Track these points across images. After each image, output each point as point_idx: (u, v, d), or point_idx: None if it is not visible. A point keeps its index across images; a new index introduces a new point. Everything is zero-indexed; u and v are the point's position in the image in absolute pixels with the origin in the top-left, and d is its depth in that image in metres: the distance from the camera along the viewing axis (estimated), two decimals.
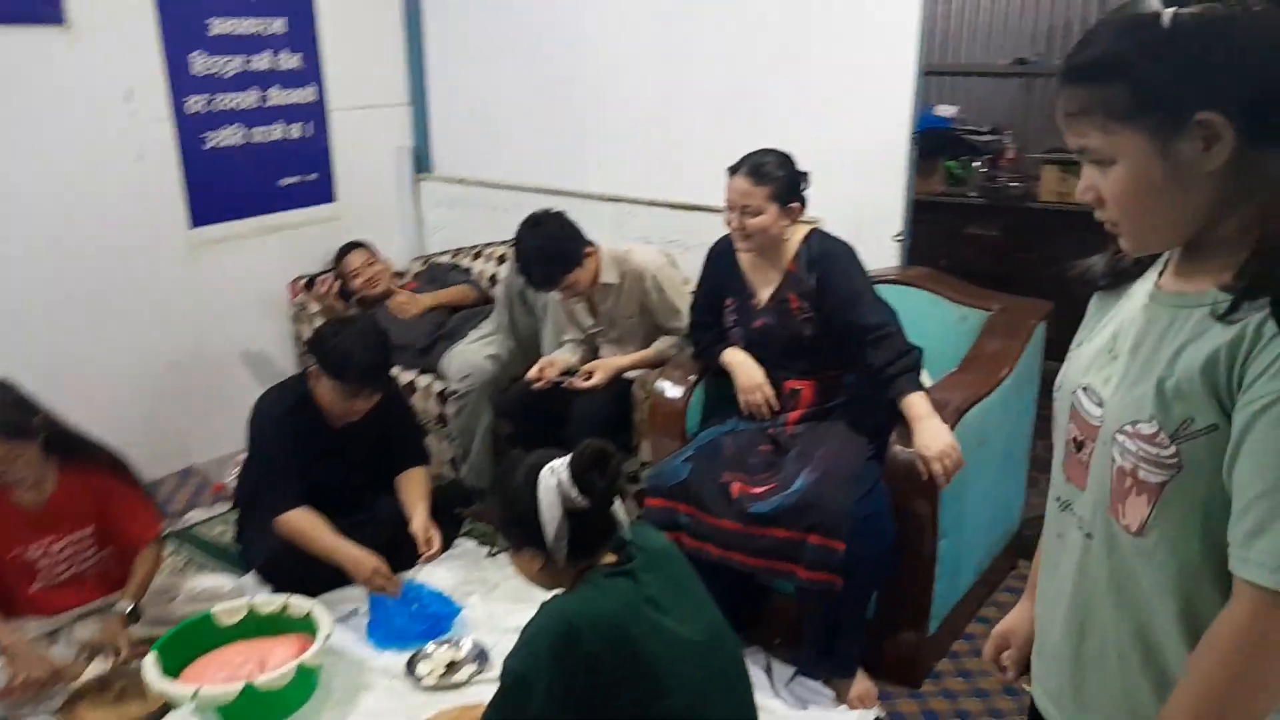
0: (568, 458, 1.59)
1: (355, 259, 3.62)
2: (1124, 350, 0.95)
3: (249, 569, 2.62)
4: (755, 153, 2.34)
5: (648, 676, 1.49)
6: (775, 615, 2.39)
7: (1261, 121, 0.82)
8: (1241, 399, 0.82)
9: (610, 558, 1.60)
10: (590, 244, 2.79)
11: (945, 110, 4.84)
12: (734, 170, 2.34)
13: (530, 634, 1.50)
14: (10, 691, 2.11)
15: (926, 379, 2.30)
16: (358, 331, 2.48)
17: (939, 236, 4.55)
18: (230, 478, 3.24)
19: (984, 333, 2.48)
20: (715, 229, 3.11)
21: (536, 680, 1.46)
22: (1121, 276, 1.02)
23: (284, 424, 2.47)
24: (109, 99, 3.15)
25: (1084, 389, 0.99)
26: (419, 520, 2.54)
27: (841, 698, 2.20)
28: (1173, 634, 0.92)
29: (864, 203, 2.90)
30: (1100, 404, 0.96)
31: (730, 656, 1.69)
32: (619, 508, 1.62)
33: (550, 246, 2.71)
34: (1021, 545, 2.79)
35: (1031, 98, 4.97)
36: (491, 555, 2.77)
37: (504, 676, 1.51)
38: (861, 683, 2.22)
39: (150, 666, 2.09)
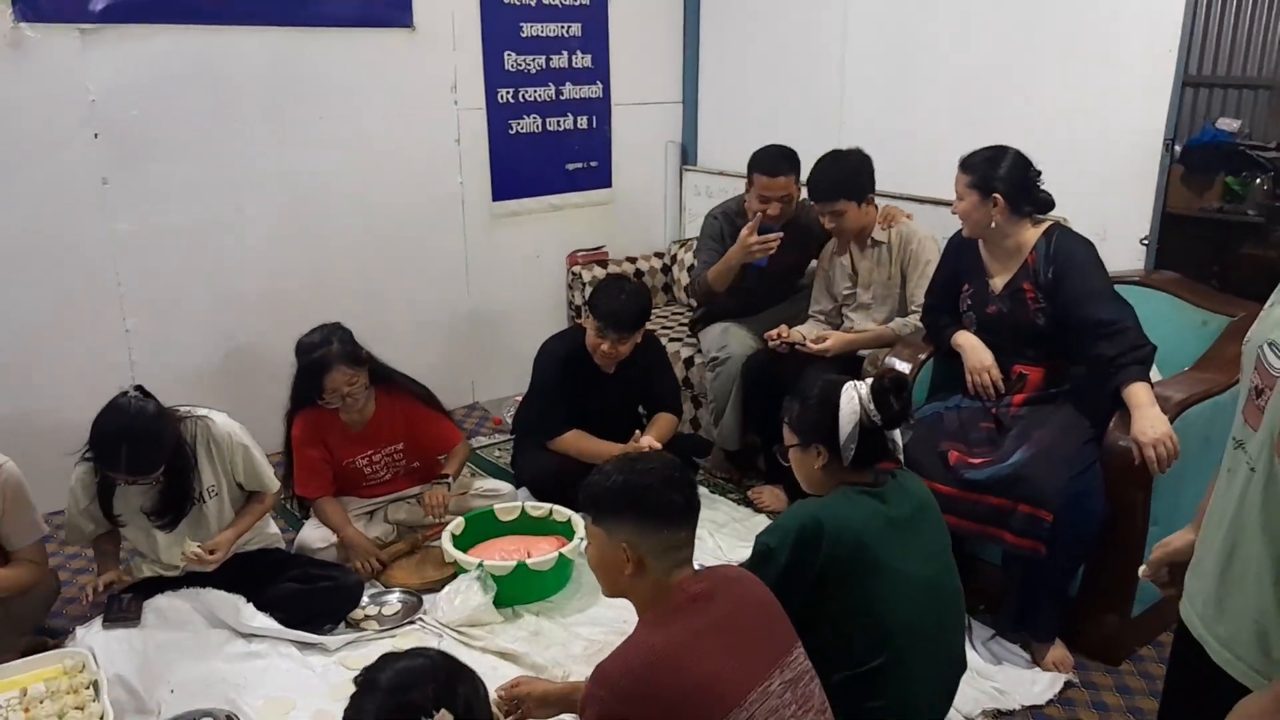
0: (869, 380, 1.83)
1: None
2: None
3: (520, 484, 3.12)
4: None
5: (875, 584, 1.72)
6: (980, 585, 2.53)
7: None
8: None
9: (867, 478, 1.82)
10: (874, 195, 3.00)
11: (1228, 124, 4.61)
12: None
13: (784, 519, 1.80)
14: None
15: (1155, 376, 2.35)
16: (625, 286, 2.92)
17: (1208, 253, 4.36)
18: (508, 414, 3.79)
19: (1225, 335, 2.48)
20: (949, 222, 3.28)
21: (779, 555, 1.75)
22: None
23: (562, 364, 2.96)
24: (438, 89, 3.78)
25: (1270, 344, 1.15)
26: (647, 435, 2.92)
27: (1037, 660, 2.33)
28: None
29: (1112, 205, 2.96)
30: None
31: (952, 602, 1.86)
32: (897, 435, 1.84)
33: (847, 168, 2.94)
34: None
35: None
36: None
37: (756, 546, 1.81)
38: (1059, 649, 2.33)
39: (448, 541, 2.60)
